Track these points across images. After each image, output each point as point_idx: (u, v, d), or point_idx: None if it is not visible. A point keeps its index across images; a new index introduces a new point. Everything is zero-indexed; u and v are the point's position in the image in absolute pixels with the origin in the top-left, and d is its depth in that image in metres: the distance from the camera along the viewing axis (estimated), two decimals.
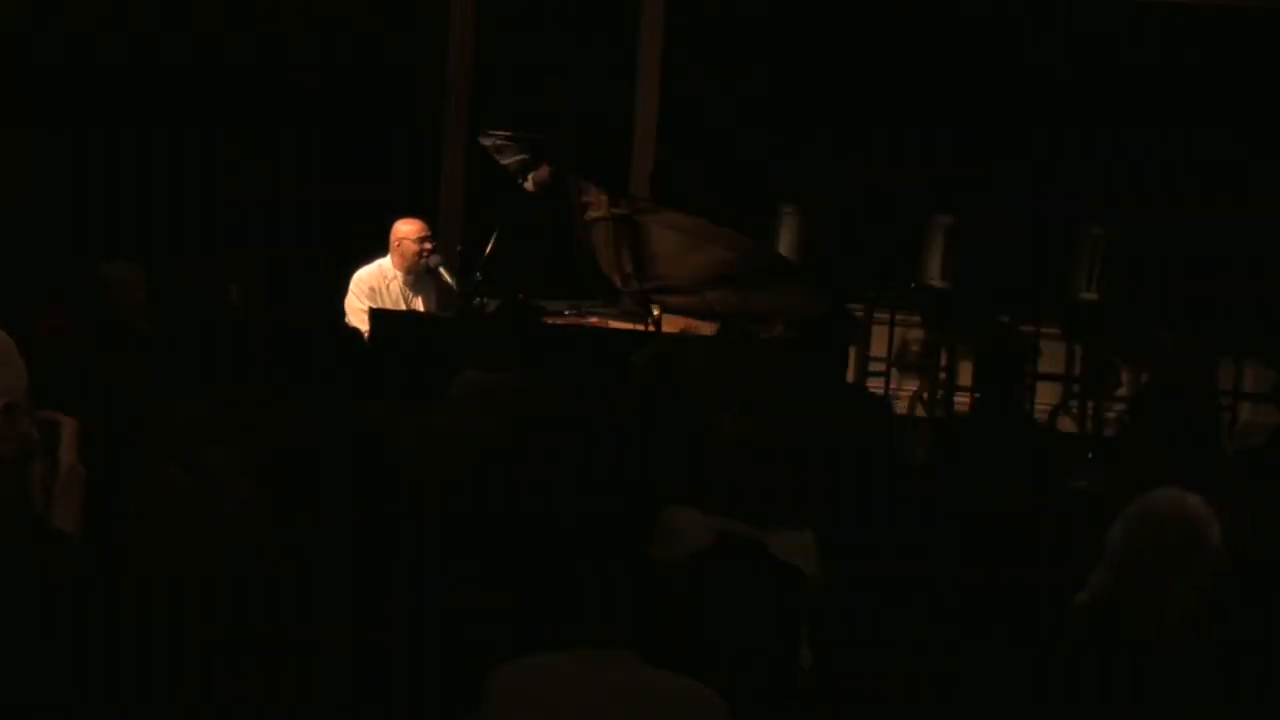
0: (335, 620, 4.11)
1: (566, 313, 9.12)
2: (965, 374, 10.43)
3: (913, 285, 10.71)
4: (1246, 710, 3.81)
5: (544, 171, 9.10)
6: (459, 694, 3.70)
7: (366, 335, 8.06)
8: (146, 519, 4.19)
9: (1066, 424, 10.43)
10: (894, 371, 10.87)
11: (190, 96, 10.66)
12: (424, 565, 4.51)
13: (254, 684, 3.92)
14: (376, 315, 8.46)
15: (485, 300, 8.84)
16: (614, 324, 9.06)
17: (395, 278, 8.89)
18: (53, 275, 8.36)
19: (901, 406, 10.52)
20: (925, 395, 10.83)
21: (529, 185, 9.16)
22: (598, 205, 9.07)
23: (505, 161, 9.19)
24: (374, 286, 8.82)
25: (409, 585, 4.40)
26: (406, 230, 8.92)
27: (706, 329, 8.48)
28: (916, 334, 10.96)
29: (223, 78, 10.73)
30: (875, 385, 10.50)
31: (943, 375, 10.69)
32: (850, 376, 9.67)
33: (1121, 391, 10.50)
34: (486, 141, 9.28)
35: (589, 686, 3.32)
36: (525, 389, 6.24)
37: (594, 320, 9.15)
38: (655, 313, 8.96)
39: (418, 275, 8.91)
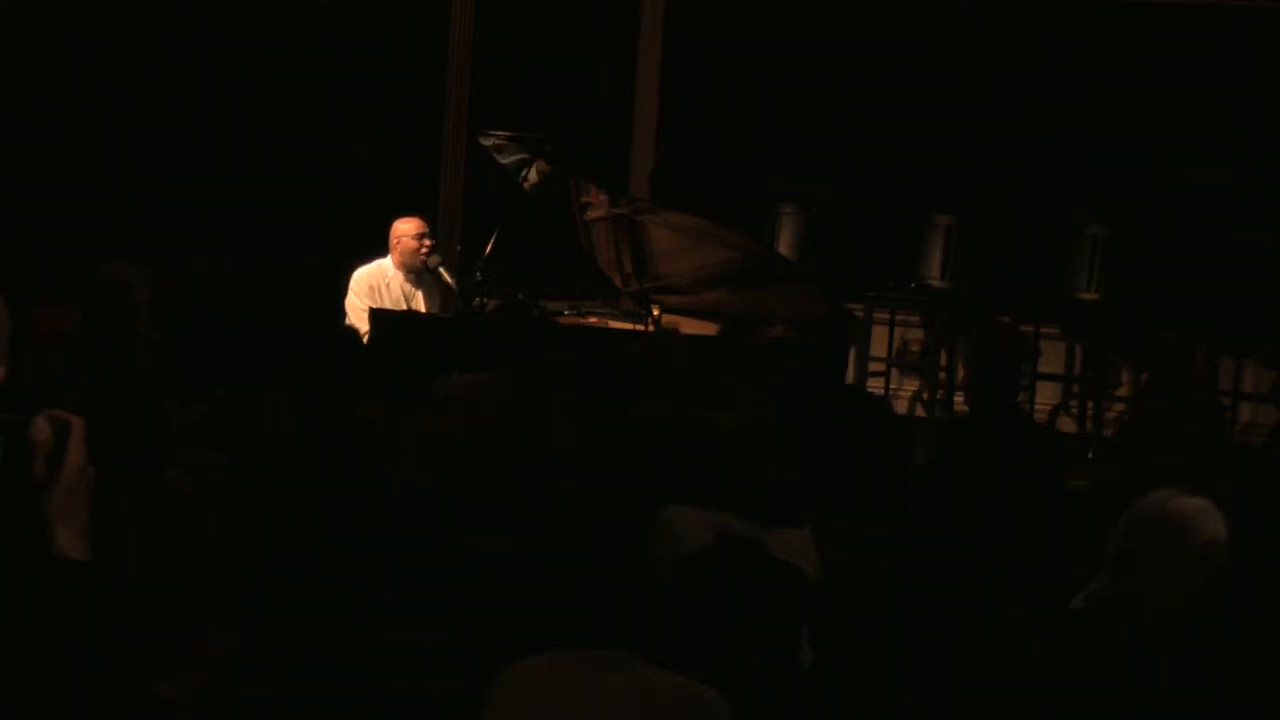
0: (335, 621, 4.12)
1: (566, 313, 9.12)
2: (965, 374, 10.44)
3: (913, 285, 10.72)
4: (1246, 709, 3.81)
5: (539, 169, 9.10)
6: (460, 695, 3.70)
7: (366, 335, 8.06)
8: (148, 521, 4.20)
9: (1066, 424, 10.43)
10: (894, 371, 10.88)
11: (192, 95, 10.68)
12: (422, 566, 4.51)
13: (257, 686, 3.93)
14: (376, 315, 8.46)
15: (485, 300, 8.84)
16: (614, 324, 9.07)
17: (395, 276, 8.88)
18: (53, 274, 8.34)
19: (901, 406, 10.53)
20: (925, 395, 10.83)
21: (528, 185, 9.17)
22: (598, 205, 9.08)
23: (505, 161, 9.19)
24: (373, 285, 8.81)
25: (407, 586, 4.40)
26: (405, 229, 8.90)
27: (701, 328, 8.48)
28: (916, 334, 10.96)
29: (223, 76, 10.74)
30: (875, 385, 10.51)
31: (943, 375, 10.70)
32: (850, 376, 9.68)
33: (1121, 391, 10.51)
34: (486, 141, 9.28)
35: (591, 687, 3.32)
36: (519, 389, 6.24)
37: (594, 320, 9.15)
38: (655, 313, 8.97)
39: (418, 274, 8.90)
